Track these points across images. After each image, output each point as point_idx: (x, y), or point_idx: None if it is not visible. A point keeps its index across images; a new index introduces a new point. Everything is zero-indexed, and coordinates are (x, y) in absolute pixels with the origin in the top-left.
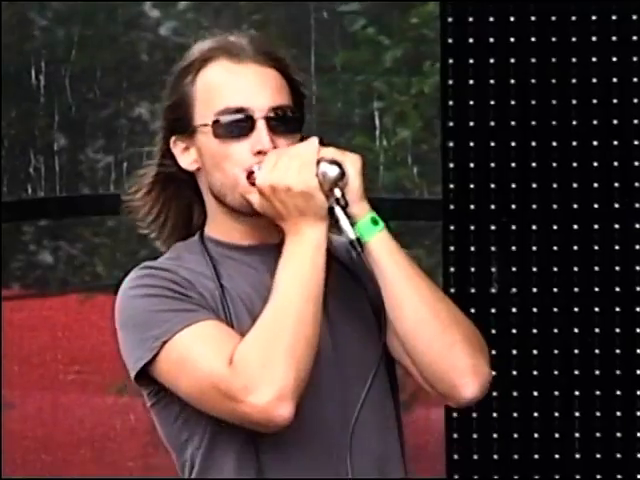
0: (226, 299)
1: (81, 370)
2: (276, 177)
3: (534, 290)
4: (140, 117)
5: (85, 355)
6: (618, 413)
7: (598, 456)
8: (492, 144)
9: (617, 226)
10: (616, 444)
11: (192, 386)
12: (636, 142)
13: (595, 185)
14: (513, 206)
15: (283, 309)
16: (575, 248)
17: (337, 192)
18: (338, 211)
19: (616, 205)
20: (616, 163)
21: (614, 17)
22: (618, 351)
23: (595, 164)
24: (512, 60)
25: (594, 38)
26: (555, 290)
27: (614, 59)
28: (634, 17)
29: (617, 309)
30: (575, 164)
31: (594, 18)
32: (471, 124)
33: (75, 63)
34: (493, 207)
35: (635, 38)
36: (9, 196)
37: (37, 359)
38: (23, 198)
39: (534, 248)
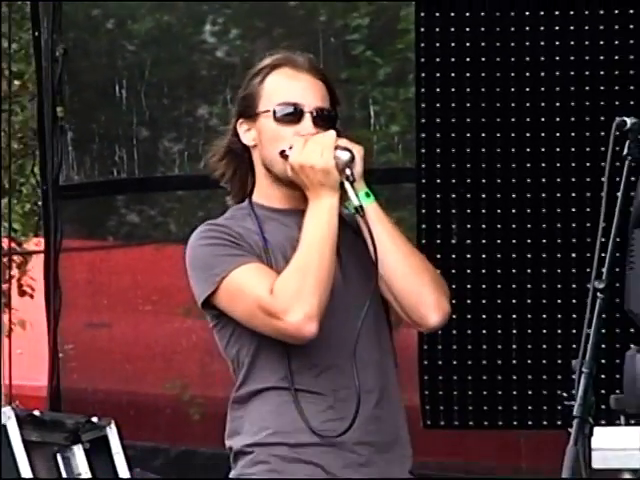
0: (267, 248)
1: (155, 302)
2: (304, 158)
3: (483, 242)
4: (201, 117)
5: (158, 291)
6: (559, 331)
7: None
8: (452, 135)
9: (544, 195)
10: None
11: (244, 310)
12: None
13: (528, 165)
14: (468, 180)
15: (309, 252)
16: (513, 211)
17: (347, 171)
18: (347, 185)
19: (544, 180)
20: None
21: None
22: (545, 286)
23: (528, 149)
24: (467, 74)
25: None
26: (498, 242)
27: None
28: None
29: (544, 255)
30: (513, 149)
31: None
32: (437, 120)
33: (152, 77)
34: (453, 181)
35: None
36: (100, 177)
37: (123, 293)
38: (110, 179)
39: (483, 211)
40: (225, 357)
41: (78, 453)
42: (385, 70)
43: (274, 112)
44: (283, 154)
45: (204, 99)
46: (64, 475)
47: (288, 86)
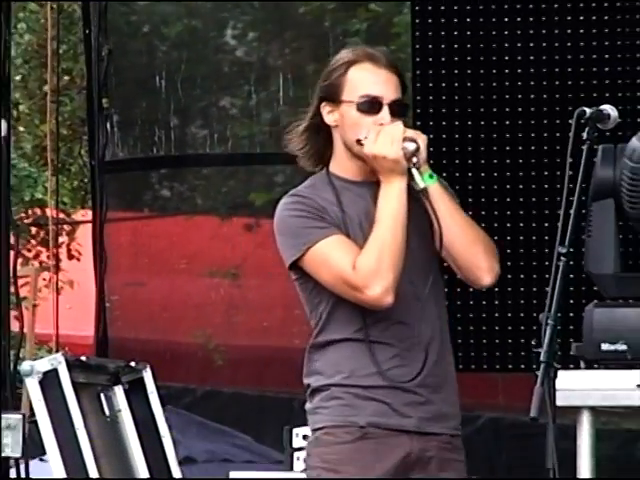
0: (346, 220)
1: (187, 263)
2: (377, 149)
3: (470, 213)
4: (224, 107)
5: (190, 253)
6: (534, 289)
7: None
8: (443, 124)
9: (521, 173)
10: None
11: (329, 279)
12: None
13: (507, 147)
14: (456, 161)
15: (385, 232)
16: (495, 187)
17: (414, 159)
18: (414, 171)
19: (521, 161)
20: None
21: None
22: (521, 250)
23: (507, 135)
24: (455, 71)
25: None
26: (482, 213)
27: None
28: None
29: (521, 224)
30: (495, 135)
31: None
32: (430, 110)
33: (183, 72)
34: (444, 162)
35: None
36: (140, 154)
37: (159, 256)
38: (150, 155)
39: (469, 187)
40: (305, 306)
41: (118, 392)
42: None
43: (357, 104)
44: (359, 142)
45: (226, 92)
46: (107, 411)
47: (369, 80)
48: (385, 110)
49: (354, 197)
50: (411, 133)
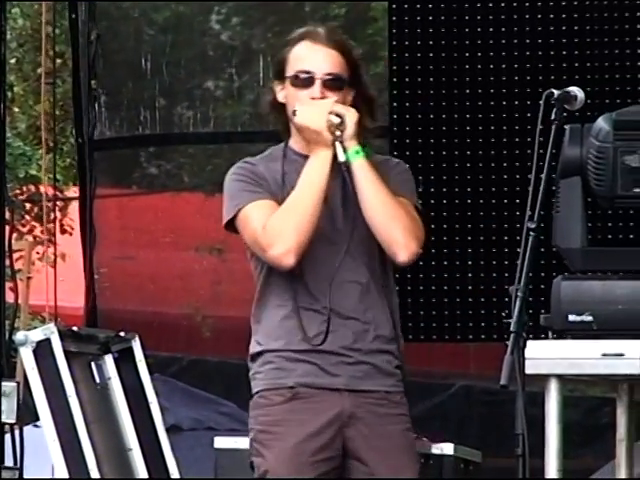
0: (284, 190)
1: (173, 236)
2: (302, 119)
3: (443, 190)
4: (208, 88)
5: (175, 228)
6: (506, 262)
7: None
8: (419, 104)
9: (493, 152)
10: None
11: (247, 238)
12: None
13: (480, 127)
14: (431, 140)
15: (297, 198)
16: (468, 165)
17: (337, 133)
18: (337, 144)
19: (493, 140)
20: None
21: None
22: (494, 225)
23: (480, 115)
24: (430, 54)
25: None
26: (456, 190)
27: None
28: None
29: (493, 201)
30: (468, 115)
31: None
32: (406, 92)
33: (170, 55)
34: (419, 140)
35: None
36: (127, 132)
37: (145, 230)
38: (136, 134)
39: (443, 165)
40: (252, 270)
41: (108, 361)
42: (357, 51)
43: (293, 77)
44: (294, 113)
45: (210, 74)
46: (97, 379)
47: (303, 56)
48: (317, 84)
49: (299, 168)
50: (340, 108)
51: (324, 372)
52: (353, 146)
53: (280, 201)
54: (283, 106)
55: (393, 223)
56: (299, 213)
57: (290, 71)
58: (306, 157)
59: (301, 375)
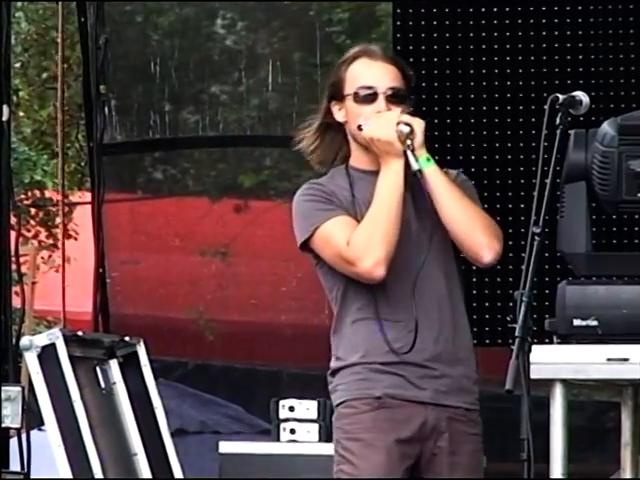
0: (355, 203)
1: (181, 241)
2: (372, 132)
3: None
4: (214, 93)
5: (183, 232)
6: (510, 267)
7: None
8: (423, 109)
9: (497, 157)
10: None
11: (330, 256)
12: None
13: (484, 132)
14: (435, 133)
15: (378, 209)
16: (473, 170)
17: (408, 142)
18: (408, 153)
19: (497, 145)
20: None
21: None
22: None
23: (484, 120)
24: (435, 59)
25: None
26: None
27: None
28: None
29: (497, 206)
30: (472, 120)
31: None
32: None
33: (176, 60)
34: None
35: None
36: (137, 137)
37: (154, 234)
38: (145, 139)
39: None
40: (326, 292)
41: (113, 366)
42: None
43: (354, 95)
44: (360, 128)
45: (216, 79)
46: (102, 384)
47: (364, 72)
48: (381, 98)
49: (367, 184)
50: (407, 118)
51: (411, 385)
52: (423, 154)
53: (353, 216)
54: (341, 126)
55: (475, 225)
56: (383, 225)
57: (350, 89)
58: (371, 173)
59: (388, 387)
